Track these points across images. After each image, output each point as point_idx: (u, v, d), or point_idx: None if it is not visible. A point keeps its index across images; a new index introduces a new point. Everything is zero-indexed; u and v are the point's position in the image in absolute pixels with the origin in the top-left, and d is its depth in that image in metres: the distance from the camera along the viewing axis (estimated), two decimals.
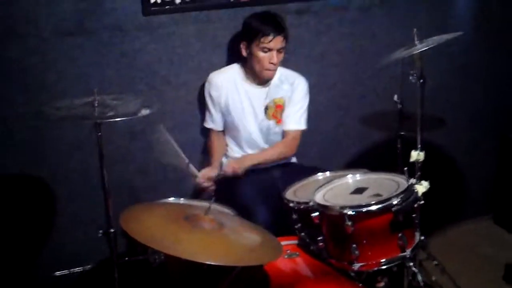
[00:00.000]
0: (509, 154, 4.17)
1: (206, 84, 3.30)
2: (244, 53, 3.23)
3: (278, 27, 3.16)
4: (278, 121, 3.38)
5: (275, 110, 3.36)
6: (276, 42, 3.15)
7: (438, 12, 3.84)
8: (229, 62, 3.39)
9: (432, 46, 2.74)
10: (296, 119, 3.39)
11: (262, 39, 3.14)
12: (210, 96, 3.30)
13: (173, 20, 3.30)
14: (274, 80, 3.32)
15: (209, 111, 3.34)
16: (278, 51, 3.18)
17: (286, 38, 3.20)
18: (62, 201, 3.31)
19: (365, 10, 3.71)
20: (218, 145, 3.40)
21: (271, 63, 3.18)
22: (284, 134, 3.40)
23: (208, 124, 3.38)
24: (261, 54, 3.17)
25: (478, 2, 4.01)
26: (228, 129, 3.39)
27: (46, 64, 3.13)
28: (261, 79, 3.28)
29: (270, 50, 3.15)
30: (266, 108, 3.34)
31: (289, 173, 3.33)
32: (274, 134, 3.40)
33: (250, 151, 3.38)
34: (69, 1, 3.09)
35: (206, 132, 3.44)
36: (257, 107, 3.33)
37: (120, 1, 3.17)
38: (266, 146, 3.39)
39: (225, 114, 3.33)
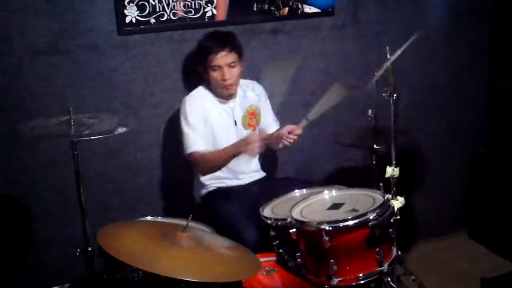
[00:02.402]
0: (481, 170, 4.22)
1: (187, 107, 3.21)
2: (203, 76, 3.26)
3: (221, 43, 3.16)
4: (254, 128, 3.42)
5: (250, 119, 3.39)
6: (222, 58, 3.14)
7: (410, 31, 3.86)
8: (203, 81, 3.40)
9: (401, 55, 2.77)
10: (274, 120, 3.52)
11: (209, 59, 3.15)
12: (196, 114, 3.21)
13: (148, 40, 3.31)
14: (239, 92, 3.34)
15: (197, 131, 3.19)
16: (229, 66, 3.17)
17: (234, 51, 3.18)
18: (38, 220, 3.28)
19: (337, 29, 3.75)
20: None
21: (223, 79, 3.17)
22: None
23: (200, 144, 3.18)
24: (212, 73, 3.18)
25: (450, 20, 4.08)
26: None
27: (20, 83, 3.12)
28: (224, 96, 3.29)
29: (220, 67, 3.16)
30: (243, 119, 3.36)
31: (268, 187, 3.37)
32: None
33: (233, 167, 3.35)
34: (43, 21, 3.09)
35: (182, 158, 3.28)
36: (236, 121, 3.34)
37: (95, 21, 3.18)
38: (248, 157, 3.38)
39: (210, 134, 3.29)
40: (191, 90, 3.35)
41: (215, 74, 3.18)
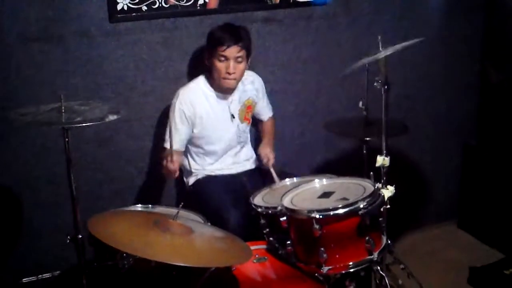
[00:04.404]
0: (471, 161, 4.24)
1: (177, 102, 3.22)
2: (206, 63, 3.25)
3: (234, 37, 3.16)
4: (249, 121, 3.45)
5: (246, 112, 3.41)
6: (231, 51, 3.14)
7: (403, 21, 3.90)
8: (195, 70, 3.39)
9: (395, 52, 2.77)
10: (269, 109, 3.60)
11: (218, 48, 3.14)
12: (183, 113, 3.21)
13: (140, 27, 3.30)
14: (239, 86, 3.34)
15: (177, 130, 3.20)
16: (236, 60, 3.17)
17: (245, 48, 3.19)
18: (28, 208, 3.28)
19: (330, 19, 3.75)
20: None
21: (228, 72, 3.17)
22: (263, 123, 3.61)
23: (174, 145, 3.08)
24: (218, 63, 3.17)
25: (443, 11, 4.08)
26: (200, 145, 3.35)
27: (10, 70, 3.10)
28: (222, 90, 3.29)
29: (226, 59, 3.15)
30: (240, 113, 3.38)
31: (257, 177, 3.40)
32: (245, 134, 3.47)
33: (226, 158, 3.41)
34: (34, 7, 3.07)
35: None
36: (234, 114, 3.36)
37: (86, 8, 3.16)
38: (238, 147, 3.43)
39: (198, 130, 3.29)
40: (183, 79, 3.36)
41: (220, 65, 3.17)
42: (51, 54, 3.15)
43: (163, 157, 3.09)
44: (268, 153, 3.33)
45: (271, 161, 3.30)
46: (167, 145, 3.17)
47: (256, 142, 3.61)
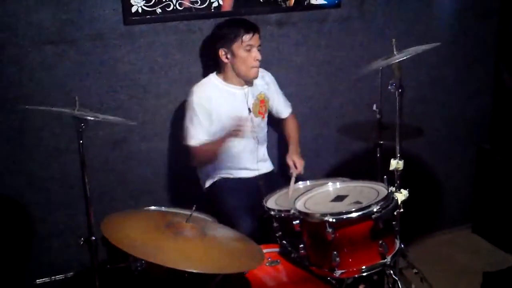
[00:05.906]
0: (485, 165, 4.22)
1: (194, 98, 3.22)
2: (225, 59, 3.25)
3: (254, 26, 3.24)
4: (263, 116, 3.45)
5: (260, 106, 3.41)
6: (256, 39, 3.21)
7: (417, 25, 3.88)
8: (209, 72, 3.38)
9: (410, 56, 2.76)
10: (286, 105, 3.59)
11: (243, 38, 3.18)
12: (203, 106, 3.20)
13: (154, 30, 3.30)
14: None
15: (202, 125, 3.20)
16: (258, 48, 3.24)
17: (260, 36, 3.28)
18: (42, 210, 3.29)
19: (343, 22, 3.75)
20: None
21: (257, 59, 3.22)
22: (285, 122, 3.60)
23: (202, 137, 3.18)
24: (244, 53, 3.21)
25: (456, 15, 4.07)
26: None
27: (24, 73, 3.12)
28: (246, 80, 3.31)
29: (251, 48, 3.20)
30: (254, 107, 3.37)
31: (273, 181, 3.38)
32: (261, 129, 3.46)
33: (243, 155, 3.39)
34: (49, 10, 3.08)
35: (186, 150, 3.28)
36: (250, 108, 3.35)
37: (101, 11, 3.17)
38: (254, 142, 3.40)
39: (216, 127, 3.26)
40: (197, 81, 3.35)
41: (247, 55, 3.21)
42: (65, 57, 3.16)
43: (195, 152, 3.18)
44: (295, 161, 3.32)
45: (299, 170, 3.29)
46: (192, 142, 3.19)
47: (280, 146, 3.63)
